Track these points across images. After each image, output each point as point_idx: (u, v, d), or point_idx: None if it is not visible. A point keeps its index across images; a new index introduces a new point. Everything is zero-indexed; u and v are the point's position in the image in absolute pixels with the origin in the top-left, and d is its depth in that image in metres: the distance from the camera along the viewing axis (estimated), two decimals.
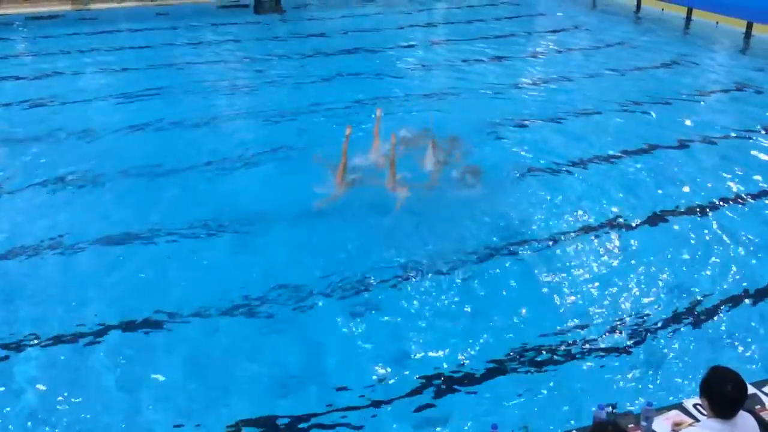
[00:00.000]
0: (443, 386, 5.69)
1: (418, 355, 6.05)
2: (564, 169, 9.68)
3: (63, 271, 7.34)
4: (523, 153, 10.24)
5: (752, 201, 8.77)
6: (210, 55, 15.98)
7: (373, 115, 10.06)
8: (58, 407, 5.46)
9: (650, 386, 5.63)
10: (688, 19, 18.77)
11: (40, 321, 6.50)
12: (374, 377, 5.79)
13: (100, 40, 17.10)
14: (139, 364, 5.99)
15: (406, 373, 5.84)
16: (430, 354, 6.05)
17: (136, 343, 6.24)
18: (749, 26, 17.18)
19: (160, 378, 5.82)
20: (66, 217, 8.45)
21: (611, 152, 10.20)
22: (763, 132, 11.00)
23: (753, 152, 10.25)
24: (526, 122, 11.51)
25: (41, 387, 5.70)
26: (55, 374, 5.85)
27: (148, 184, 9.29)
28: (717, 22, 18.09)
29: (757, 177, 9.40)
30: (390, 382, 5.74)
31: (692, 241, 7.85)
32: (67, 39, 17.06)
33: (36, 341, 6.22)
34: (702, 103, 12.62)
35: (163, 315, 6.58)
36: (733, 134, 10.91)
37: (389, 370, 5.87)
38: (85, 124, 11.40)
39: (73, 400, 5.53)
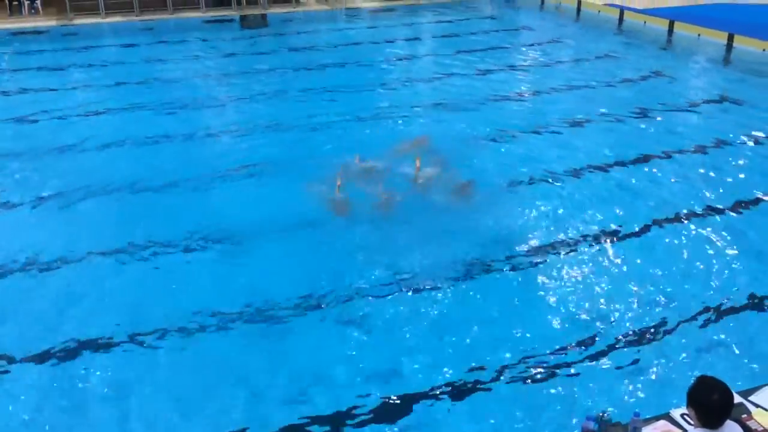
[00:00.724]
0: (432, 402, 5.66)
1: (406, 371, 6.01)
2: (553, 180, 9.72)
3: (41, 289, 7.26)
4: (511, 164, 10.28)
5: (736, 210, 8.83)
6: (196, 69, 15.97)
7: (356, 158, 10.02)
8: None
9: (638, 396, 5.64)
10: (671, 31, 19.00)
11: (20, 339, 6.43)
12: (362, 393, 5.76)
13: (85, 55, 17.09)
14: (119, 382, 5.91)
15: (394, 389, 5.80)
16: (419, 369, 6.03)
17: (116, 360, 6.17)
18: (730, 38, 17.41)
19: (142, 395, 5.76)
20: (49, 233, 8.39)
21: (598, 163, 10.25)
22: (745, 142, 11.12)
23: (735, 162, 10.34)
24: (514, 134, 11.54)
25: (12, 406, 5.64)
26: (34, 395, 5.78)
27: (132, 199, 9.25)
28: (699, 35, 18.32)
29: (740, 187, 9.47)
30: (377, 398, 5.71)
31: (678, 252, 7.88)
32: (52, 54, 17.03)
33: (15, 360, 6.14)
34: (686, 113, 12.73)
35: (145, 331, 6.52)
36: (716, 144, 11.01)
37: (377, 386, 5.83)
38: (70, 139, 11.36)
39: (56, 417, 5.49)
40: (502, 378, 5.90)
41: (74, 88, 14.40)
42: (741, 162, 10.35)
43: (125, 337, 6.44)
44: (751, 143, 11.07)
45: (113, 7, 21.30)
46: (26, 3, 21.04)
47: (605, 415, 4.54)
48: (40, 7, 21.16)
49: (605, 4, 21.69)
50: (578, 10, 22.28)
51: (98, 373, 5.99)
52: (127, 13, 21.19)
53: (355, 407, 5.60)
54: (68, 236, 8.29)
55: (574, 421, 5.27)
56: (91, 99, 13.63)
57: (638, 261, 7.71)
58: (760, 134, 11.34)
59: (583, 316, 6.71)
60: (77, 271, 7.57)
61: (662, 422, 4.36)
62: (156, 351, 6.29)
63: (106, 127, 12.00)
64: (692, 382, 3.95)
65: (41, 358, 6.16)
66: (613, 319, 6.68)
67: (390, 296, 7.02)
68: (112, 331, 6.52)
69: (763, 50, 16.58)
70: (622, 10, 20.86)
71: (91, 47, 17.90)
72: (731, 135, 11.33)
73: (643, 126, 11.97)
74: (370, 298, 7.00)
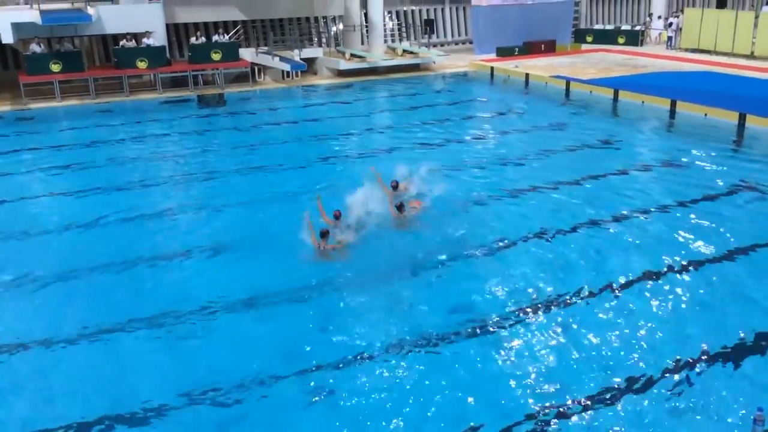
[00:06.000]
0: None
1: None
2: (507, 246, 9.86)
3: None
4: (469, 231, 10.42)
5: (683, 272, 8.99)
6: (156, 149, 15.99)
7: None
8: None
9: None
10: (616, 99, 19.76)
11: None
12: None
13: (40, 138, 16.99)
14: None
15: None
16: None
17: None
18: (673, 104, 18.18)
19: None
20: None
21: (549, 228, 10.42)
22: (688, 205, 11.40)
23: (680, 225, 10.56)
24: (471, 202, 11.71)
25: None
26: None
27: (89, 282, 9.07)
28: (643, 102, 19.09)
29: (682, 250, 9.61)
30: None
31: (628, 314, 7.94)
32: (4, 139, 16.91)
33: None
34: (632, 178, 13.08)
35: (110, 417, 6.30)
36: (663, 208, 11.27)
37: None
38: (24, 223, 11.19)
39: None
40: None
41: (29, 172, 14.26)
42: (690, 226, 10.58)
43: (78, 427, 6.19)
44: (696, 205, 11.37)
45: (69, 91, 21.36)
46: None
47: None
48: None
49: (552, 76, 22.54)
50: (526, 82, 23.10)
51: None
52: (84, 96, 21.25)
53: None
54: (21, 321, 8.07)
55: None
56: (48, 182, 13.52)
57: (588, 325, 7.72)
58: (705, 197, 11.69)
59: (543, 382, 6.71)
60: (24, 357, 7.33)
61: None
62: None
63: (65, 210, 11.87)
64: None
65: None
66: (569, 386, 6.66)
67: (356, 363, 6.96)
68: (61, 419, 6.27)
69: (705, 115, 17.33)
70: (568, 81, 21.70)
71: (46, 131, 17.81)
72: (677, 198, 11.65)
73: (593, 192, 12.22)
74: (335, 367, 6.91)
